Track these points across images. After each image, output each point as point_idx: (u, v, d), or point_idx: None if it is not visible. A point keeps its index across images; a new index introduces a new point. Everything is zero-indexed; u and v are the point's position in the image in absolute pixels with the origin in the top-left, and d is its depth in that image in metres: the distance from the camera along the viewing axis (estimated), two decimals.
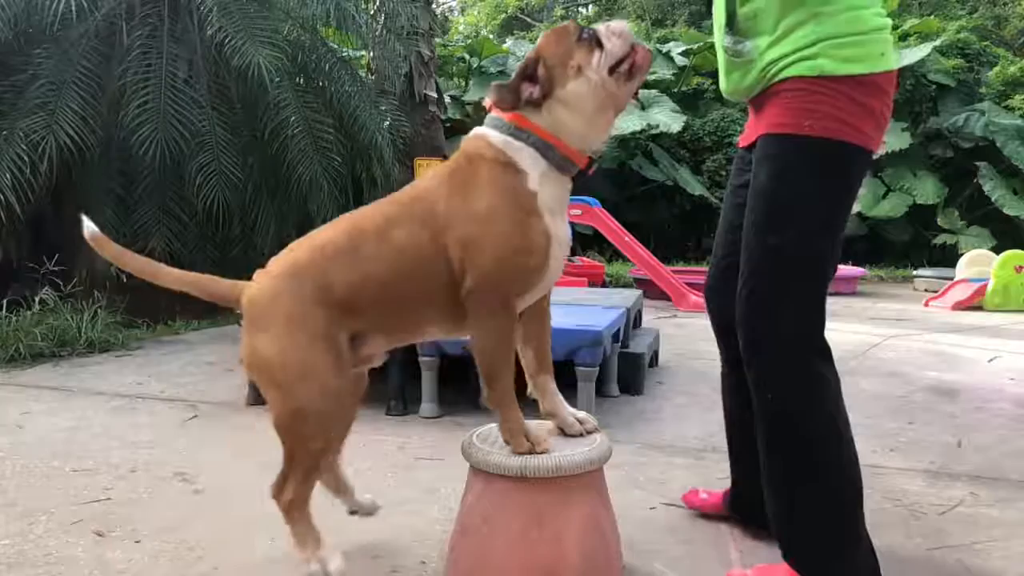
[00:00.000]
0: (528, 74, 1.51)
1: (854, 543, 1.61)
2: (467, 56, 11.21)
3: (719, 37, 1.77)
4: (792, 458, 1.65)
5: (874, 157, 1.68)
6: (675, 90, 11.49)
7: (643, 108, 10.49)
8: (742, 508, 2.00)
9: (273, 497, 1.63)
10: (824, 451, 1.62)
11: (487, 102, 1.59)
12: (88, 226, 1.66)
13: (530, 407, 1.69)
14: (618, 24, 1.53)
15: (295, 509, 1.60)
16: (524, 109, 1.52)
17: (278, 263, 1.61)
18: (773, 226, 1.62)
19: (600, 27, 1.53)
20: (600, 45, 1.50)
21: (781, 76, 1.62)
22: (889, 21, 1.62)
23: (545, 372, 1.68)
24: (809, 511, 1.62)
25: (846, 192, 1.62)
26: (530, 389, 1.70)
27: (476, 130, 1.58)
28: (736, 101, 1.86)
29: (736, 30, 1.71)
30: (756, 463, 1.77)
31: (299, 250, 1.61)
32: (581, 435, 1.68)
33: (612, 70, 1.49)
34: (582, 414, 1.72)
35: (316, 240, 1.61)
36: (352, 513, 1.89)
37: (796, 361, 1.62)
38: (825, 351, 1.63)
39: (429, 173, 1.60)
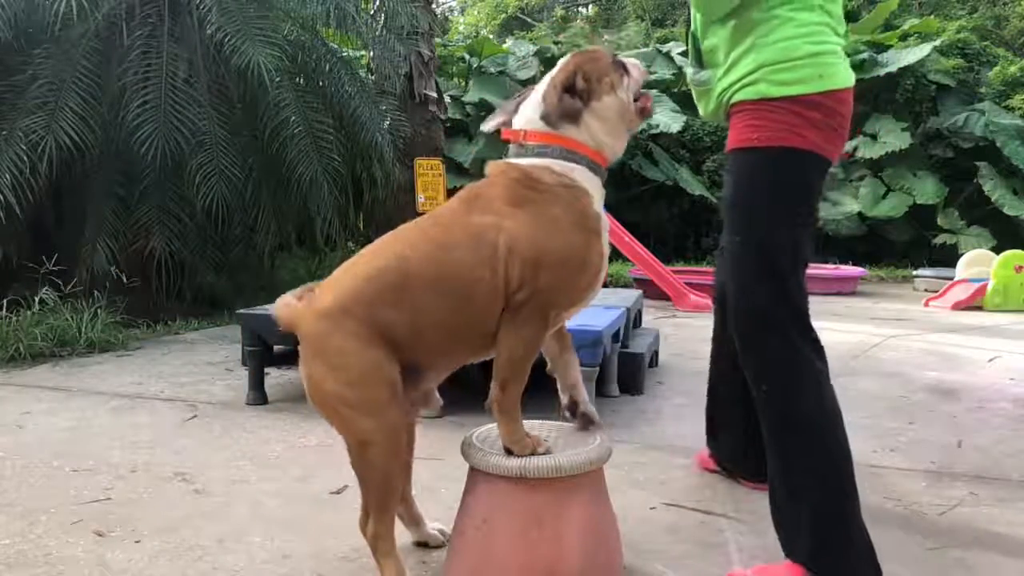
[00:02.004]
0: (569, 86, 1.57)
1: (851, 536, 1.64)
2: (467, 56, 11.20)
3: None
4: (784, 448, 1.73)
5: (831, 165, 1.81)
6: (675, 90, 11.49)
7: None
8: (719, 456, 2.37)
9: (361, 531, 1.64)
10: (813, 440, 1.70)
11: (514, 132, 1.63)
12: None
13: (527, 410, 1.69)
14: (635, 60, 1.70)
15: (381, 543, 1.59)
16: (560, 127, 1.58)
17: (328, 293, 1.58)
18: (734, 227, 1.84)
19: (622, 58, 1.68)
20: (627, 71, 1.65)
21: (733, 101, 1.85)
22: (831, 47, 1.79)
23: (567, 351, 1.74)
24: (805, 503, 1.67)
25: (798, 191, 1.78)
26: (550, 367, 1.77)
27: (521, 161, 1.59)
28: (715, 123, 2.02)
29: (702, 62, 1.99)
30: (725, 417, 2.23)
31: (347, 280, 1.58)
32: (577, 429, 1.72)
33: (634, 98, 1.65)
34: (591, 409, 1.75)
35: (364, 272, 1.58)
36: (420, 544, 1.88)
37: (770, 349, 1.75)
38: (796, 334, 1.73)
39: (486, 204, 1.57)
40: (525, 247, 1.51)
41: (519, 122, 1.64)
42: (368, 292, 1.54)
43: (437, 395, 1.75)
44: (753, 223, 1.79)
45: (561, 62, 1.63)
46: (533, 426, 1.75)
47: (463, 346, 1.61)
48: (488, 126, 1.73)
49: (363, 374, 1.52)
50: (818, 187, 1.82)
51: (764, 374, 1.76)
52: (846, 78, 1.79)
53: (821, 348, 1.76)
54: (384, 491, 1.58)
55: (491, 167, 1.64)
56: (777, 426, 1.74)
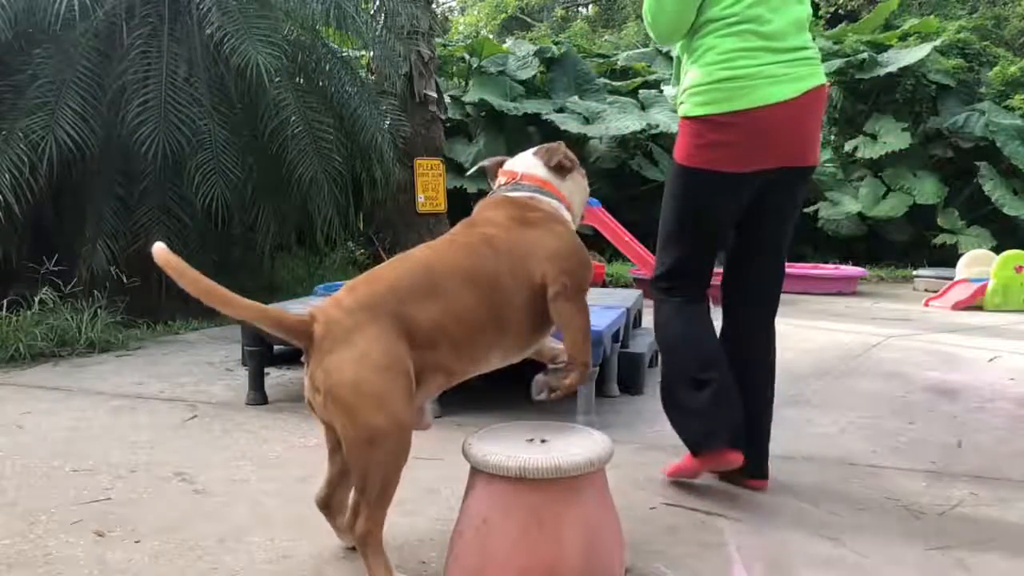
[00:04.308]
0: (561, 152, 1.99)
1: (686, 413, 2.23)
2: (467, 56, 11.18)
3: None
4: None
5: (725, 175, 2.14)
6: None
7: (643, 108, 10.47)
8: None
9: (349, 529, 1.66)
10: (664, 355, 2.34)
11: (511, 172, 1.97)
12: (157, 247, 1.57)
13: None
14: None
15: (371, 538, 1.61)
16: (551, 174, 1.96)
17: (351, 293, 1.66)
18: (659, 221, 2.33)
19: None
20: None
21: (679, 115, 2.25)
22: (750, 71, 2.07)
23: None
24: (665, 405, 2.33)
25: (687, 201, 2.24)
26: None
27: (515, 193, 1.91)
28: None
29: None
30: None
31: (371, 284, 1.69)
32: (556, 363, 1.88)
33: None
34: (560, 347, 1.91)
35: (387, 275, 1.71)
36: (352, 548, 1.87)
37: (662, 301, 2.34)
38: (680, 294, 2.30)
39: (488, 221, 1.85)
40: (542, 252, 1.78)
41: (516, 167, 1.97)
42: (397, 289, 1.66)
43: (429, 413, 1.83)
44: (665, 221, 2.30)
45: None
46: (534, 427, 1.76)
47: (482, 340, 1.73)
48: (475, 168, 2.11)
49: (387, 362, 1.57)
50: (714, 199, 2.20)
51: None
52: (761, 97, 2.06)
53: (690, 298, 2.29)
54: (385, 488, 1.59)
55: (483, 202, 1.93)
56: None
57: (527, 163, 1.98)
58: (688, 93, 2.16)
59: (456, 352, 1.70)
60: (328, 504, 1.83)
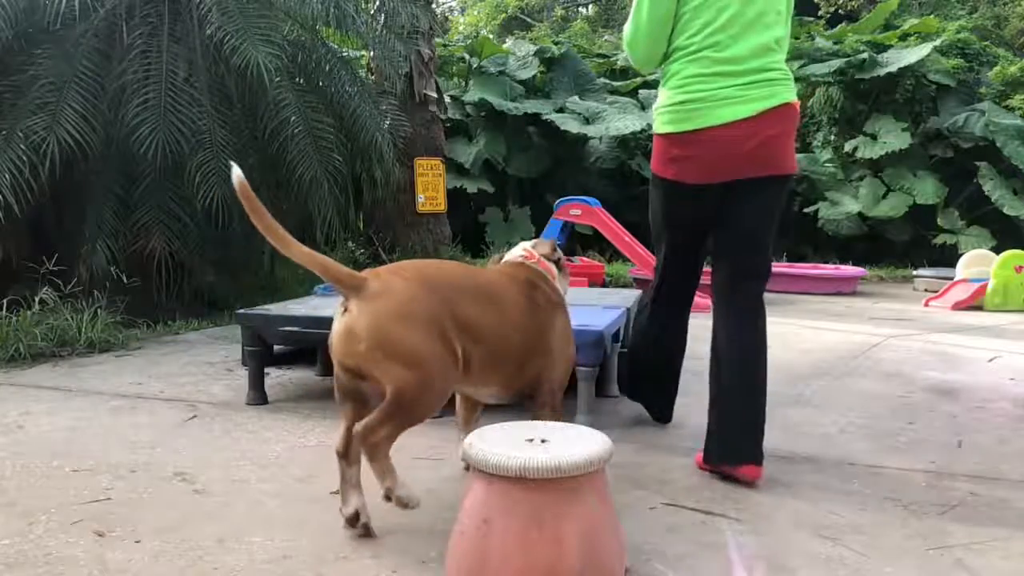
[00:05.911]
0: (559, 254, 2.40)
1: (637, 387, 2.97)
2: (467, 56, 11.19)
3: None
4: None
5: (687, 185, 2.39)
6: None
7: (643, 108, 10.47)
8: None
9: (359, 441, 1.81)
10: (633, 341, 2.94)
11: (531, 253, 2.33)
12: (236, 172, 1.83)
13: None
14: None
15: (383, 448, 1.79)
16: (554, 266, 2.32)
17: (403, 270, 1.90)
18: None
19: None
20: None
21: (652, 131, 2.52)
22: (703, 95, 2.30)
23: (473, 418, 2.35)
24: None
25: (661, 206, 2.55)
26: (460, 430, 2.31)
27: (535, 266, 2.28)
28: None
29: None
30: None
31: (425, 267, 1.98)
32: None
33: None
34: None
35: (439, 267, 2.03)
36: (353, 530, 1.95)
37: (657, 292, 2.76)
38: (657, 296, 2.77)
39: (532, 282, 2.21)
40: (563, 353, 2.20)
41: (534, 251, 2.34)
42: (451, 277, 1.94)
43: None
44: (651, 223, 2.64)
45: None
46: (534, 427, 1.76)
47: (503, 362, 2.02)
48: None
49: (439, 327, 1.82)
50: (681, 205, 2.47)
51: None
52: (714, 117, 2.28)
53: (663, 300, 2.75)
54: (414, 423, 1.84)
55: (515, 267, 2.27)
56: None
57: (541, 250, 2.36)
58: (657, 112, 2.43)
59: (483, 356, 1.93)
60: (346, 453, 1.93)
